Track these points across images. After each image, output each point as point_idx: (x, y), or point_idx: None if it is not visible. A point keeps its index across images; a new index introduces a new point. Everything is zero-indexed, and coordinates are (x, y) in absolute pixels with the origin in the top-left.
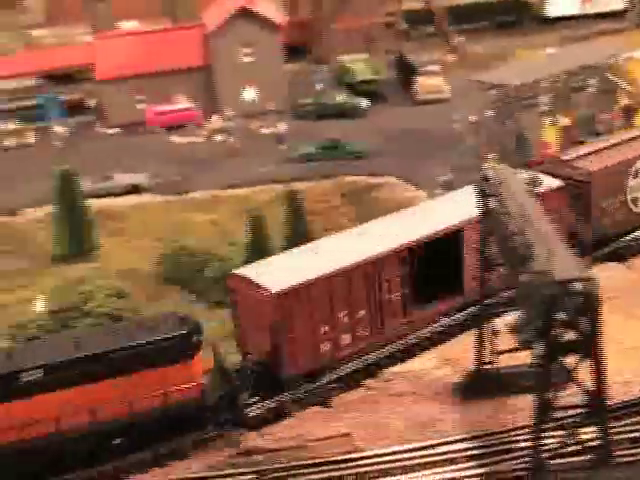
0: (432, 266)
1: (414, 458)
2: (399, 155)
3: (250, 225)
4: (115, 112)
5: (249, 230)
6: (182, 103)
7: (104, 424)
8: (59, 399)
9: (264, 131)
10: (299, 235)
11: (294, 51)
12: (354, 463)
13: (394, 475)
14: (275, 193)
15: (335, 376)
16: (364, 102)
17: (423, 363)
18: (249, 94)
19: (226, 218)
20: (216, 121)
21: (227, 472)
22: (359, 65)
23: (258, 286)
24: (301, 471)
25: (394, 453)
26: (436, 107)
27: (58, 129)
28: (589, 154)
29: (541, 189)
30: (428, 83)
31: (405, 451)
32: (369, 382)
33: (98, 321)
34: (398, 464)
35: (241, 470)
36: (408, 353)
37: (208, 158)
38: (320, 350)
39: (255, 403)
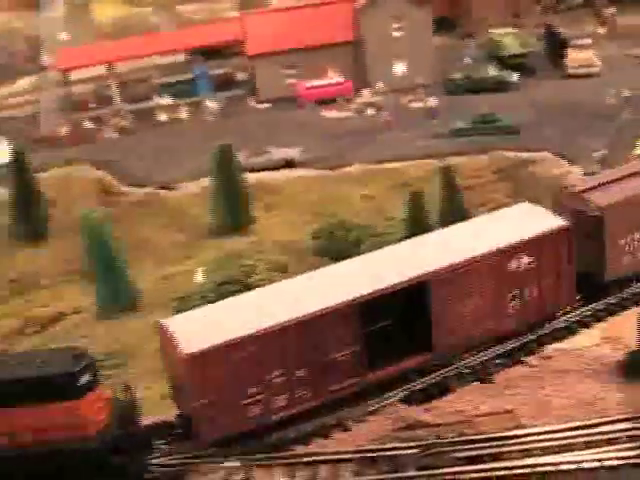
0: (397, 317)
1: (576, 437)
2: (552, 130)
3: (409, 201)
4: (266, 87)
5: (408, 206)
6: (333, 77)
7: None
8: None
9: (415, 105)
10: (455, 211)
11: (442, 24)
12: (519, 440)
13: (557, 453)
14: (429, 168)
15: (496, 353)
16: (514, 76)
17: (585, 340)
18: (399, 68)
19: (380, 193)
20: (366, 95)
21: (391, 445)
22: (509, 39)
23: (176, 343)
24: (465, 446)
25: (557, 431)
26: (587, 81)
27: (210, 104)
28: (608, 183)
29: (542, 230)
30: (579, 56)
31: (567, 429)
32: (530, 359)
33: None
34: (560, 442)
35: (405, 444)
36: (570, 330)
37: (360, 132)
38: (247, 413)
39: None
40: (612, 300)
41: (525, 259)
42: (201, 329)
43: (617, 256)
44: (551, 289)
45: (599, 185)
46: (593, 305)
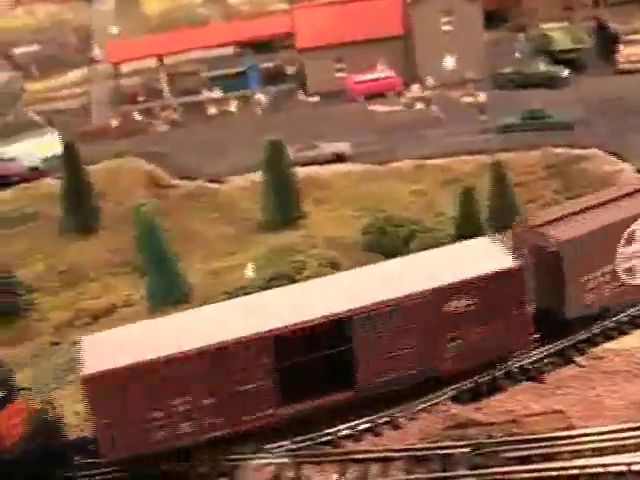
0: (320, 352)
1: (627, 438)
2: (603, 126)
3: (460, 198)
4: (315, 80)
5: (459, 203)
6: (382, 72)
7: None
8: None
9: (465, 100)
10: (506, 208)
11: (493, 18)
12: (569, 440)
13: (608, 455)
14: (478, 164)
15: (546, 352)
16: (565, 71)
17: (635, 341)
18: (448, 63)
19: (430, 188)
20: (416, 90)
21: (442, 444)
22: (559, 33)
23: (82, 363)
24: (516, 446)
25: (609, 432)
26: (638, 77)
27: (260, 97)
28: (570, 216)
29: (487, 271)
30: (630, 52)
31: (618, 430)
32: (580, 359)
33: None
34: (611, 444)
35: (456, 443)
36: (619, 330)
37: (409, 127)
38: (151, 437)
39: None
40: None
41: (464, 300)
42: (111, 349)
43: (579, 293)
44: (500, 332)
45: (560, 218)
46: None
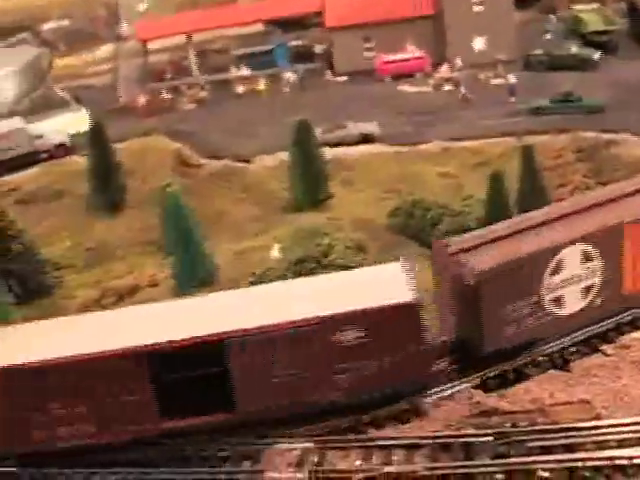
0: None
1: None
2: (634, 110)
3: (490, 181)
4: (344, 60)
5: (488, 186)
6: (411, 52)
7: None
8: None
9: (494, 82)
10: (535, 192)
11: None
12: (594, 431)
13: (631, 446)
14: (508, 146)
15: (572, 341)
16: (596, 54)
17: None
18: (479, 44)
19: (458, 171)
20: (445, 71)
21: (466, 432)
22: (591, 15)
23: None
24: (540, 435)
25: (635, 424)
26: None
27: (288, 76)
28: (492, 242)
29: (379, 304)
30: None
31: None
32: (606, 348)
33: None
34: (636, 435)
35: (480, 431)
36: None
37: (438, 108)
38: (31, 437)
39: None
40: None
41: (354, 332)
42: (7, 346)
43: (498, 326)
44: (395, 365)
45: (481, 244)
46: None
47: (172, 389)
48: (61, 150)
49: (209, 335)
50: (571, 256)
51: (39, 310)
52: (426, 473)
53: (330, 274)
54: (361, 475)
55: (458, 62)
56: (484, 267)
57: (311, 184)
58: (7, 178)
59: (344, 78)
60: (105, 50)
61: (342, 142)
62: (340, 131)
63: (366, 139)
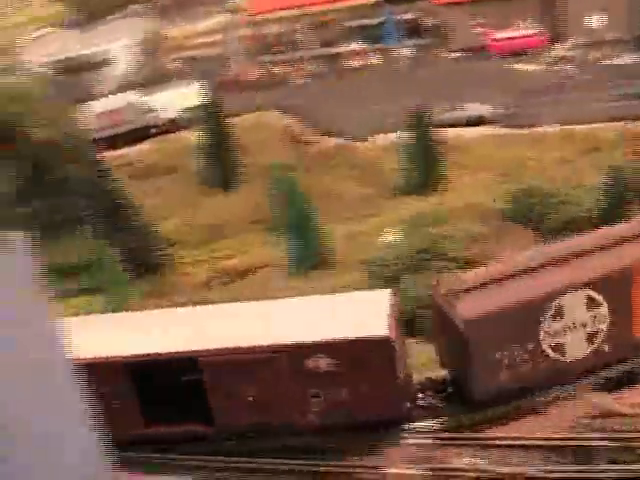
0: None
1: None
2: None
3: (609, 174)
4: (456, 36)
5: (607, 178)
6: (525, 29)
7: None
8: None
9: (610, 62)
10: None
11: None
12: None
13: None
14: (618, 132)
15: None
16: None
17: None
18: (596, 21)
19: (572, 156)
20: (560, 49)
21: (582, 435)
22: None
23: None
24: None
25: None
26: None
27: (402, 51)
28: (489, 284)
29: (350, 335)
30: None
31: None
32: None
33: (452, 265)
34: None
35: (597, 435)
36: None
37: (551, 89)
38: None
39: None
40: None
41: (325, 360)
42: None
43: (491, 372)
44: (367, 397)
45: (477, 287)
46: None
47: (166, 396)
48: (172, 125)
49: (182, 352)
50: (573, 302)
51: (152, 286)
52: (541, 475)
53: (313, 297)
54: (476, 474)
55: (572, 40)
56: (475, 315)
57: (425, 167)
58: (120, 152)
59: (457, 54)
60: (215, 22)
61: (455, 124)
62: (453, 112)
63: (479, 121)
